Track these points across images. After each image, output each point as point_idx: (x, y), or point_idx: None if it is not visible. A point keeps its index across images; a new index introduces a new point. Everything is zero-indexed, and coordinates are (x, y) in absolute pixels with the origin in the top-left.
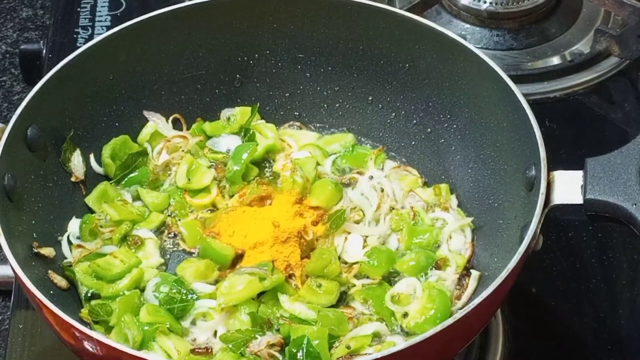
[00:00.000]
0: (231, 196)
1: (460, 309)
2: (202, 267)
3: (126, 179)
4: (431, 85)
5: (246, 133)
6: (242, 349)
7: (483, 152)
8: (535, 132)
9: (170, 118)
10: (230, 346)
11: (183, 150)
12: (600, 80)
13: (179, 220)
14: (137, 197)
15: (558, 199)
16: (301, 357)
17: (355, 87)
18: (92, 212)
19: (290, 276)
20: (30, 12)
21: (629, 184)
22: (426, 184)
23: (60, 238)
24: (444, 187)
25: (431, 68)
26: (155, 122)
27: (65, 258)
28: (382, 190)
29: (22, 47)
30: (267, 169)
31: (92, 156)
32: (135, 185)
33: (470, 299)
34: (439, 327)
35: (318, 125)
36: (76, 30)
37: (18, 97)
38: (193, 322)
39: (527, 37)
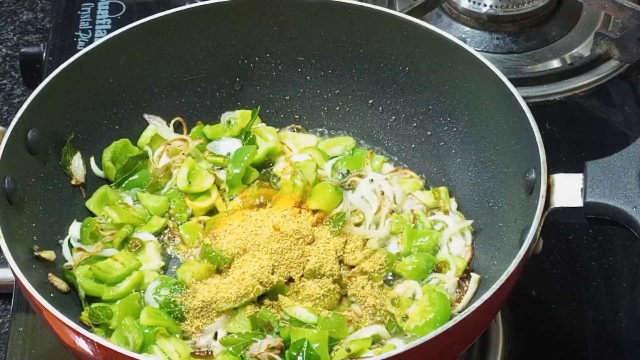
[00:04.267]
0: (231, 199)
1: (460, 312)
2: (202, 270)
3: (126, 182)
4: (431, 89)
5: (246, 136)
6: (242, 352)
7: (483, 155)
8: (535, 135)
9: (172, 122)
10: (230, 349)
11: (184, 154)
12: (600, 84)
13: (180, 223)
14: (137, 200)
15: (558, 201)
16: None
17: (355, 90)
18: (93, 215)
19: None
20: (31, 15)
21: (629, 187)
22: (426, 187)
23: (60, 241)
24: (443, 190)
25: (431, 71)
26: (156, 126)
27: (66, 261)
28: (383, 193)
29: (22, 50)
30: (267, 172)
31: (92, 159)
32: (136, 188)
33: (470, 302)
34: (439, 330)
35: (318, 128)
36: (76, 33)
37: (18, 100)
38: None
39: (527, 40)
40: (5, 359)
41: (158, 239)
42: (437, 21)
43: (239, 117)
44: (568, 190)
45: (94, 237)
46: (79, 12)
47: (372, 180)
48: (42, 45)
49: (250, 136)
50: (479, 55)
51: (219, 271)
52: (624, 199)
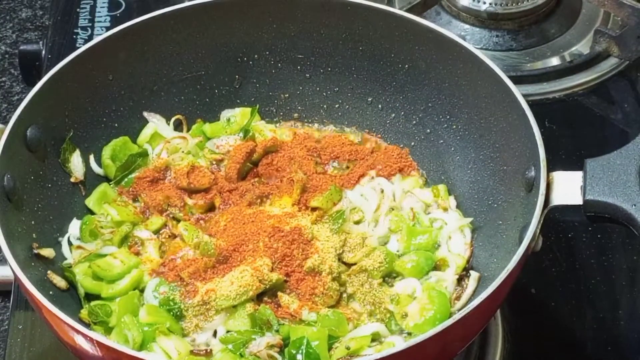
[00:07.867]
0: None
1: (460, 309)
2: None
3: (126, 179)
4: (431, 86)
5: (246, 134)
6: (241, 349)
7: (482, 152)
8: (535, 133)
9: (172, 119)
10: (229, 347)
11: (183, 151)
12: (599, 81)
13: (179, 220)
14: (137, 199)
15: (557, 199)
16: (301, 358)
17: (354, 87)
18: (92, 213)
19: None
20: (30, 12)
21: (628, 185)
22: (427, 185)
23: (60, 239)
24: (442, 187)
25: (431, 69)
26: (155, 123)
27: (65, 259)
28: (382, 191)
29: (21, 47)
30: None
31: (91, 157)
32: None
33: (470, 300)
34: (438, 328)
35: (318, 125)
36: (75, 30)
37: (17, 98)
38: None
39: (527, 37)
40: (4, 356)
41: (157, 237)
42: (436, 19)
43: (239, 115)
44: (568, 188)
45: (94, 235)
46: (78, 9)
47: (372, 177)
48: (41, 42)
49: (250, 134)
50: (478, 52)
51: (218, 269)
52: (624, 197)
